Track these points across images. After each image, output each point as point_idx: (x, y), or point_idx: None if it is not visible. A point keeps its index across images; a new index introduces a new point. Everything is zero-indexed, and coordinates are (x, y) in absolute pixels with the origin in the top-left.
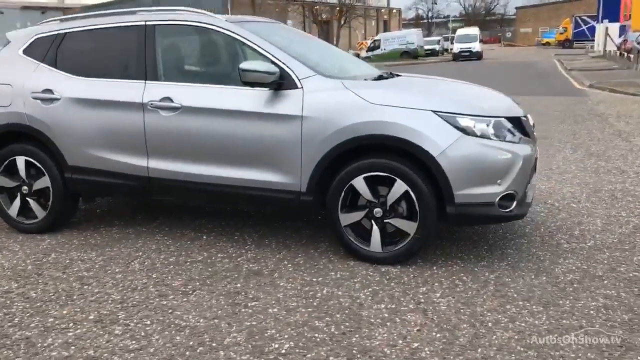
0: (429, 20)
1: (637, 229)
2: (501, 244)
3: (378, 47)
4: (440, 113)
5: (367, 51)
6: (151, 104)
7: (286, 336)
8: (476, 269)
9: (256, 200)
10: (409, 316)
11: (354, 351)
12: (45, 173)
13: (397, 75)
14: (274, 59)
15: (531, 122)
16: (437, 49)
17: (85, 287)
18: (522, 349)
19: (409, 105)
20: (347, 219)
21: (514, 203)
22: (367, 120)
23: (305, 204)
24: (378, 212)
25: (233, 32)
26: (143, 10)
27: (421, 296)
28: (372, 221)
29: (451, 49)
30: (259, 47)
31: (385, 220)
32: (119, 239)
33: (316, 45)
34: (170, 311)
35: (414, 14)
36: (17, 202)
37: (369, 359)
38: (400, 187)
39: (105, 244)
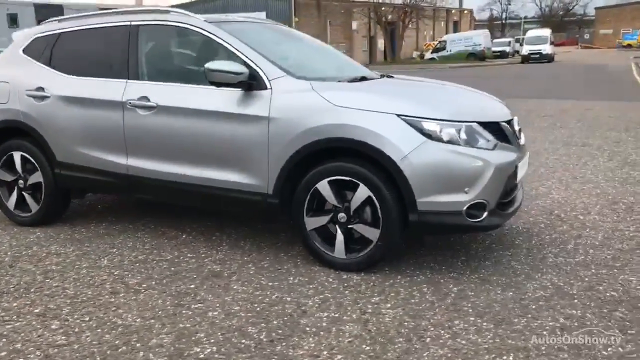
0: (503, 22)
1: (639, 245)
2: (482, 255)
3: (444, 49)
4: (404, 117)
5: (432, 52)
6: (130, 103)
7: (212, 341)
8: (442, 281)
9: (225, 201)
10: (347, 326)
11: None
12: (38, 168)
13: (390, 77)
14: (245, 59)
15: (516, 128)
16: (507, 51)
17: (47, 280)
18: None
19: (372, 108)
20: (312, 223)
21: (485, 213)
22: (329, 122)
23: (272, 206)
24: (342, 217)
25: (209, 32)
26: (131, 10)
27: (370, 306)
28: (337, 226)
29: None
30: (232, 47)
31: (349, 226)
32: (102, 234)
33: (305, 46)
34: (113, 309)
35: (488, 14)
36: (14, 195)
37: None
38: (363, 192)
39: (87, 239)
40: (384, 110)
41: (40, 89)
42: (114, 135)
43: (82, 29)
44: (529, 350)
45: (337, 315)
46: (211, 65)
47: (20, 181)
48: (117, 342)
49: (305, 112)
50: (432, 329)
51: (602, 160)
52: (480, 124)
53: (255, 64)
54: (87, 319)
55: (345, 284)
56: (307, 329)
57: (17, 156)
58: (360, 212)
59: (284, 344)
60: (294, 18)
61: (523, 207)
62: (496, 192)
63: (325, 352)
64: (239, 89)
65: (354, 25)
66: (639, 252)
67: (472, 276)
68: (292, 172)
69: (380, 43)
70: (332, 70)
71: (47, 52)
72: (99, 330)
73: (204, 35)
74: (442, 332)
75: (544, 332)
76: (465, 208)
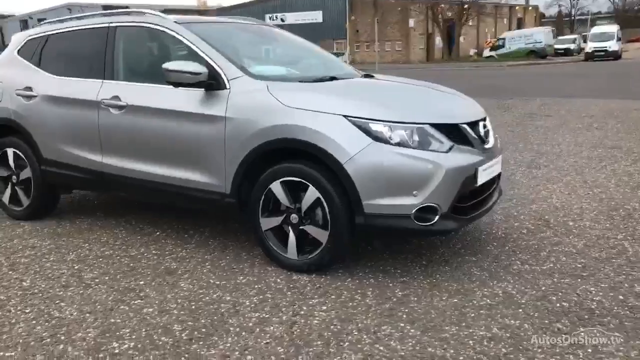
0: (572, 18)
1: (619, 254)
2: (444, 259)
3: (502, 46)
4: (351, 118)
5: (490, 50)
6: (103, 102)
7: (134, 337)
8: (390, 285)
9: (188, 200)
10: (271, 327)
11: (182, 359)
12: (27, 165)
13: (370, 76)
14: (208, 60)
15: (483, 129)
16: (571, 48)
17: (10, 272)
18: None
19: (319, 109)
20: (267, 223)
21: (436, 217)
22: (280, 123)
23: (230, 206)
24: (294, 218)
25: (177, 33)
26: (113, 12)
27: (305, 308)
28: (290, 227)
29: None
30: (196, 47)
31: (300, 227)
32: (83, 229)
33: (283, 46)
34: (57, 302)
35: (556, 11)
36: (9, 190)
37: None
38: (312, 193)
39: (67, 234)
40: (331, 111)
41: (29, 88)
42: (90, 133)
43: (68, 31)
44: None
45: (267, 316)
46: (168, 65)
47: (14, 177)
48: (44, 334)
49: (259, 113)
50: (356, 333)
51: (623, 164)
52: (434, 125)
53: (216, 64)
54: (28, 310)
55: (291, 285)
56: (232, 329)
57: (10, 152)
58: (311, 213)
59: (201, 343)
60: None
61: (513, 211)
62: (449, 196)
63: (237, 353)
64: (201, 89)
65: (411, 22)
66: (615, 261)
67: (424, 281)
68: (248, 172)
69: (438, 41)
70: (303, 70)
71: (37, 53)
72: (34, 322)
73: (172, 36)
74: (365, 337)
75: (470, 342)
76: (413, 211)
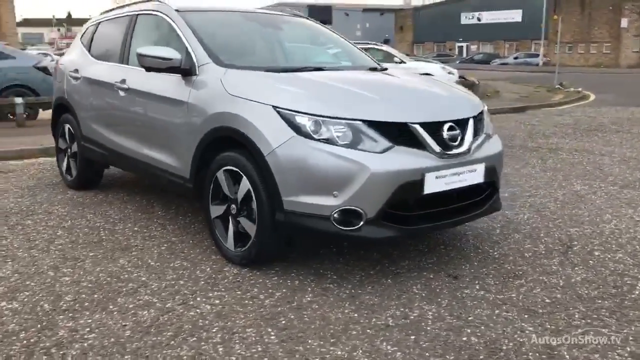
0: None
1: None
2: (392, 270)
3: None
4: (279, 109)
5: None
6: (116, 85)
7: (26, 300)
8: (303, 290)
9: (164, 182)
10: (145, 312)
11: (39, 325)
12: (75, 140)
13: (380, 70)
14: (187, 46)
15: (448, 133)
16: None
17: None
18: None
19: (253, 98)
20: (215, 211)
21: (361, 222)
22: (222, 110)
23: (189, 190)
24: (233, 208)
25: (171, 20)
26: (139, 1)
27: (199, 299)
28: (230, 217)
29: None
30: (181, 34)
31: (237, 218)
32: (98, 202)
33: (289, 37)
34: (8, 260)
35: None
36: (65, 161)
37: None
38: (245, 185)
39: (88, 206)
40: (263, 101)
41: (76, 70)
42: (108, 113)
43: (111, 18)
44: None
45: (155, 300)
46: (141, 50)
47: (69, 149)
48: None
49: (210, 99)
50: (214, 330)
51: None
52: (369, 122)
53: (193, 51)
54: None
55: (214, 276)
56: (111, 306)
57: (66, 128)
58: (245, 205)
59: (68, 315)
60: (552, 16)
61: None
62: (376, 200)
63: (87, 329)
64: (178, 75)
65: (624, 22)
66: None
67: (344, 289)
68: (203, 158)
69: None
70: (292, 60)
71: (89, 38)
72: None
73: (169, 23)
74: (218, 336)
75: (314, 357)
76: (333, 213)
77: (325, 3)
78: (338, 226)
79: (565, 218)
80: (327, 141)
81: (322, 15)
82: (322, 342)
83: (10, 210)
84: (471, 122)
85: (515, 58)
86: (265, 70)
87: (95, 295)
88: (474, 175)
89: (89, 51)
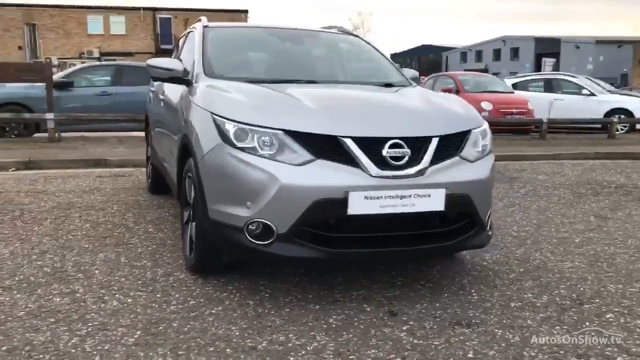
0: None
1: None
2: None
3: None
4: (214, 116)
5: None
6: (159, 95)
7: None
8: (245, 304)
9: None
10: (57, 299)
11: None
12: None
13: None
14: (194, 58)
15: (391, 151)
16: None
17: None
18: None
19: (202, 105)
20: (185, 216)
21: (272, 237)
22: (185, 117)
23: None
24: (190, 214)
25: (197, 35)
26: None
27: (123, 297)
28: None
29: None
30: (195, 47)
31: (191, 223)
32: (147, 206)
33: (306, 53)
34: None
35: None
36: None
37: None
38: (193, 191)
39: (137, 205)
40: (205, 107)
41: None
42: (156, 120)
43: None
44: None
45: (81, 295)
46: (150, 61)
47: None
48: None
49: (186, 107)
50: (91, 323)
51: None
52: (291, 133)
53: (195, 62)
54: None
55: (157, 278)
56: (39, 290)
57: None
58: (194, 211)
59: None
60: None
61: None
62: (288, 215)
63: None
64: (184, 85)
65: None
66: None
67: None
68: (181, 164)
69: None
70: (298, 74)
71: None
72: None
73: (195, 38)
74: (98, 335)
75: None
76: (245, 225)
77: (553, 36)
78: (251, 239)
79: None
80: (251, 150)
81: (550, 48)
82: (183, 353)
83: None
84: (434, 141)
85: None
86: (248, 82)
87: (31, 278)
88: (428, 202)
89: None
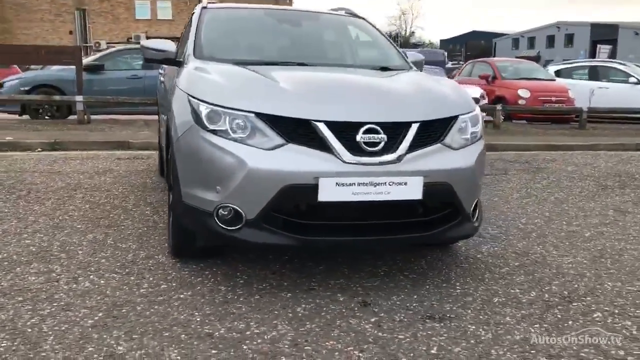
0: None
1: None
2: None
3: None
4: (190, 97)
5: None
6: (160, 78)
7: None
8: (209, 292)
9: None
10: (32, 278)
11: None
12: None
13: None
14: (189, 40)
15: (366, 136)
16: None
17: (36, 190)
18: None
19: (181, 87)
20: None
21: (242, 223)
22: (169, 99)
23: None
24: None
25: (194, 15)
26: None
27: (96, 279)
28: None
29: None
30: (190, 29)
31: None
32: (152, 188)
33: (305, 36)
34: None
35: None
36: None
37: None
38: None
39: (146, 188)
40: (185, 91)
41: None
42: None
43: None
44: None
45: (56, 275)
46: (143, 43)
47: None
48: None
49: (171, 89)
50: (57, 303)
51: None
52: (261, 115)
53: (188, 44)
54: None
55: (136, 260)
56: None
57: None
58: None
59: None
60: None
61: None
62: (256, 200)
63: None
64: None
65: None
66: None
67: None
68: (168, 145)
69: None
70: (290, 55)
71: None
72: None
73: (194, 18)
74: (59, 316)
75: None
76: (214, 209)
77: (611, 21)
78: (220, 224)
79: None
80: (223, 133)
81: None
82: (137, 337)
83: None
84: (414, 127)
85: None
86: (236, 64)
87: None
88: (405, 190)
89: None
